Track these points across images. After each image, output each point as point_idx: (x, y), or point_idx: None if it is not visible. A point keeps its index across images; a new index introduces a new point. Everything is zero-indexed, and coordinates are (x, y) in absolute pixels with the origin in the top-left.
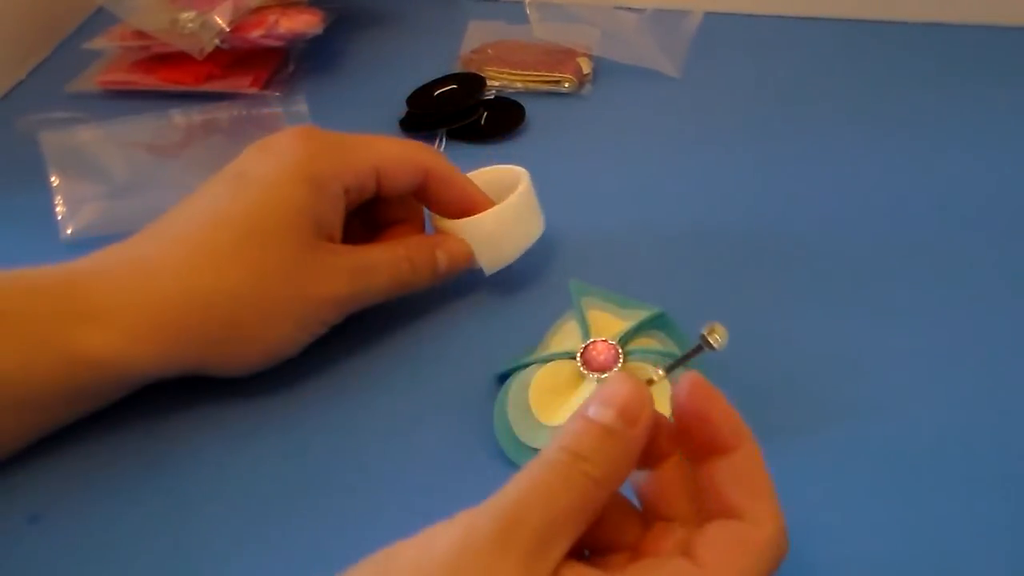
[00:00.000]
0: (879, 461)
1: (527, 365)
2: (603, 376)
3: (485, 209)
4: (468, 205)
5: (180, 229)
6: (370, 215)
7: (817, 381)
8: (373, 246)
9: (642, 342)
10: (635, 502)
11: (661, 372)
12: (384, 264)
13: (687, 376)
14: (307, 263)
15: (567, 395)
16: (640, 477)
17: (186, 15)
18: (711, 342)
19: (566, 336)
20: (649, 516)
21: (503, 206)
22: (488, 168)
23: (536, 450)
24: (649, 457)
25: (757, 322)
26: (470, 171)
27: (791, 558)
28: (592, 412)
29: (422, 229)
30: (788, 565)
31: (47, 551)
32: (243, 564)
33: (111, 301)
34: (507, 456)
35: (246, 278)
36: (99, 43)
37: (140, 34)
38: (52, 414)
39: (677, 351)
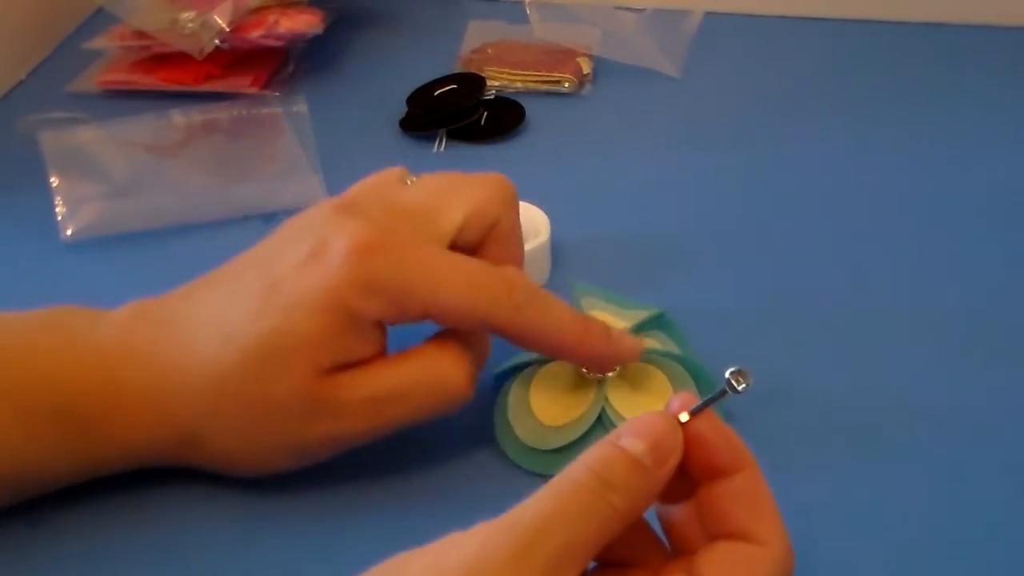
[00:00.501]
0: (884, 463)
1: (527, 365)
2: (603, 377)
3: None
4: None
5: (201, 327)
6: None
7: (815, 381)
8: (401, 364)
9: (643, 342)
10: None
11: (686, 416)
12: (409, 388)
13: (678, 398)
14: (313, 401)
15: (568, 396)
16: (672, 511)
17: (186, 15)
18: (736, 387)
19: None
20: (679, 548)
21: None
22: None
23: (536, 450)
24: (672, 493)
25: (757, 322)
26: (467, 172)
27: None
28: (624, 442)
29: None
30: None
31: (46, 556)
32: (242, 565)
33: (136, 410)
34: (508, 456)
35: (245, 415)
36: (99, 43)
37: (140, 34)
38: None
39: (677, 350)
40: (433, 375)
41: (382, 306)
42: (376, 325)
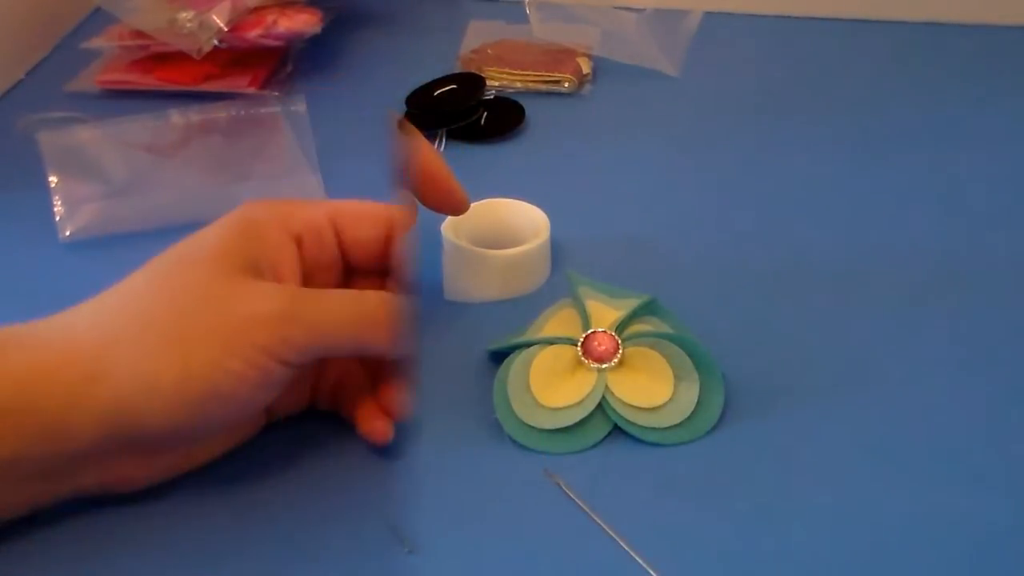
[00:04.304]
0: (876, 461)
1: (529, 344)
2: (603, 367)
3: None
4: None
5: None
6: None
7: (812, 378)
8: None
9: (636, 328)
10: None
11: None
12: (341, 296)
13: None
14: (230, 287)
15: (565, 379)
16: None
17: (184, 15)
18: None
19: (564, 322)
20: None
21: (519, 251)
22: (509, 200)
23: (532, 427)
24: None
25: (757, 322)
26: (467, 172)
27: (786, 544)
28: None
29: None
30: (784, 551)
31: (46, 551)
32: (244, 563)
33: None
34: (504, 430)
35: (160, 302)
36: (97, 43)
37: (138, 34)
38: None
39: (668, 329)
40: (353, 292)
41: (281, 214)
42: (283, 239)
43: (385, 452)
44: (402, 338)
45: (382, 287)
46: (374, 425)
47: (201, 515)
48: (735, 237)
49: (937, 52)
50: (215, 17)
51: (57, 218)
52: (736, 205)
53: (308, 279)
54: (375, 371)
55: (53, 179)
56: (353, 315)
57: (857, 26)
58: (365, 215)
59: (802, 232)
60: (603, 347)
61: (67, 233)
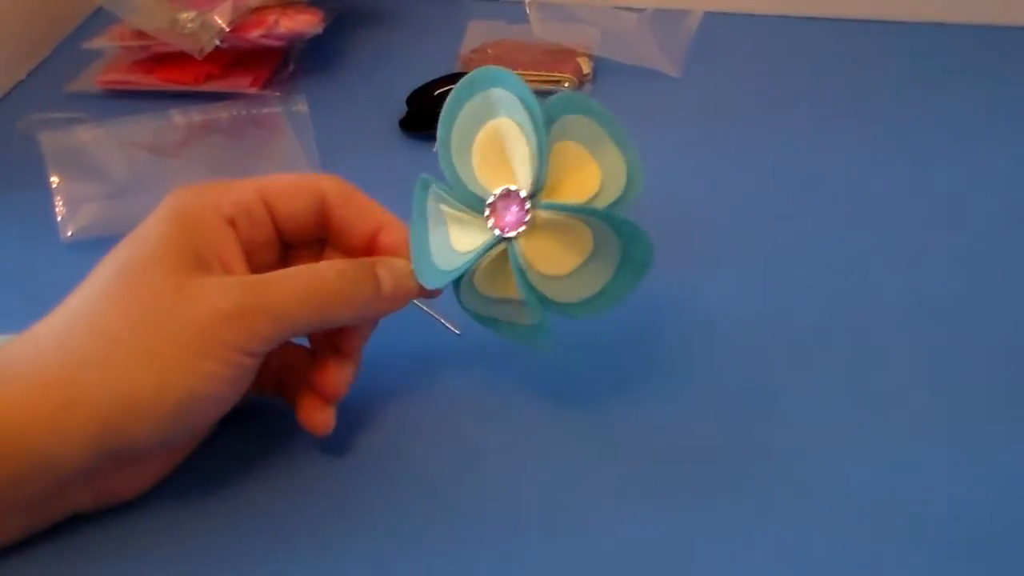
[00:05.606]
0: (880, 462)
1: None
2: (510, 235)
3: (393, 229)
4: (374, 225)
5: (68, 296)
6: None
7: (814, 382)
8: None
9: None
10: None
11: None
12: (296, 275)
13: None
14: (185, 286)
15: (476, 230)
16: None
17: (186, 15)
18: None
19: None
20: None
21: None
22: None
23: (435, 266)
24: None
25: (754, 322)
26: None
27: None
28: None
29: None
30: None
31: (40, 559)
32: (242, 564)
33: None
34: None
35: (119, 315)
36: (99, 43)
37: (140, 34)
38: None
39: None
40: (305, 268)
41: (211, 198)
42: (219, 224)
43: None
44: (364, 303)
45: (319, 259)
46: (314, 417)
47: (199, 517)
48: (734, 237)
49: (937, 52)
50: (216, 17)
51: (58, 218)
52: (736, 205)
53: (247, 260)
54: (318, 345)
55: (54, 179)
56: (313, 291)
57: (857, 26)
58: (295, 188)
59: (802, 232)
60: (512, 218)
61: (68, 233)
